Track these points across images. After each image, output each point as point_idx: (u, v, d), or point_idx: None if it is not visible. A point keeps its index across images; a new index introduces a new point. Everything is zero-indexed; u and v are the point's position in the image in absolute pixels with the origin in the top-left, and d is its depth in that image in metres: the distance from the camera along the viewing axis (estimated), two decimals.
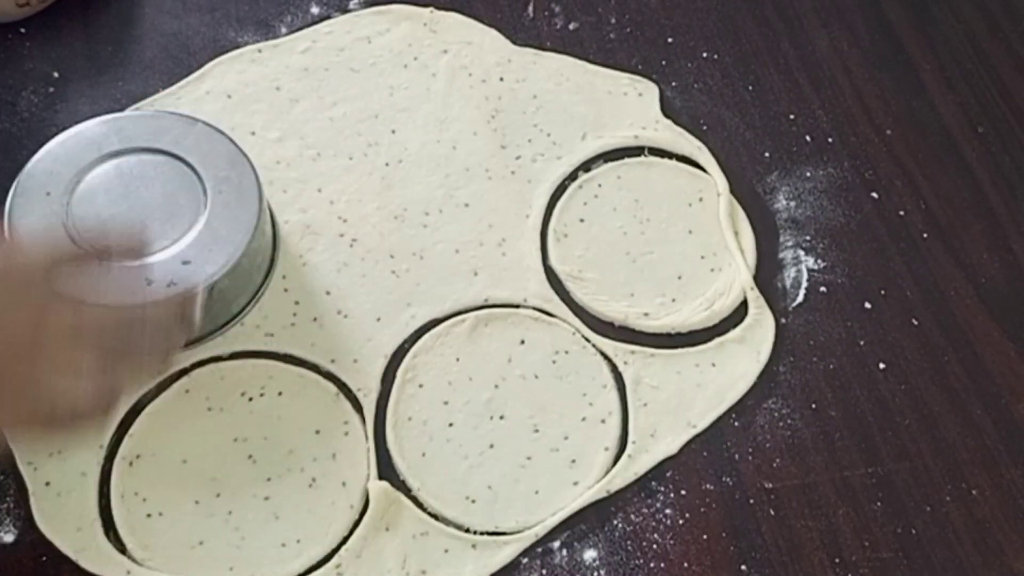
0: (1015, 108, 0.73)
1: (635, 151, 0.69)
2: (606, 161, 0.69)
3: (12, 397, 0.47)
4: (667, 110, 0.71)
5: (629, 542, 0.57)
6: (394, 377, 0.60)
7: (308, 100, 0.70)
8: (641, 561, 0.56)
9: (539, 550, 0.56)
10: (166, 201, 0.57)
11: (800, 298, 0.65)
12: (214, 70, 0.70)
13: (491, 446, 0.59)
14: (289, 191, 0.66)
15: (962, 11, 0.77)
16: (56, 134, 0.59)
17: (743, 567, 0.56)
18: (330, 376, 0.60)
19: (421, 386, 0.60)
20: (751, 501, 0.58)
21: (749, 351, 0.62)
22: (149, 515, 0.56)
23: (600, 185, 0.68)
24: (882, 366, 0.63)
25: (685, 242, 0.66)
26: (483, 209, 0.66)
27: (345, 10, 0.74)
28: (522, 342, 0.62)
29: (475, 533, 0.56)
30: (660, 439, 0.59)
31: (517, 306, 0.63)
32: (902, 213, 0.68)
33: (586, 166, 0.68)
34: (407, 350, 0.61)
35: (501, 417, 0.60)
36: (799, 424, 0.60)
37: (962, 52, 0.75)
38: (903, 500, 0.58)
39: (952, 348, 0.63)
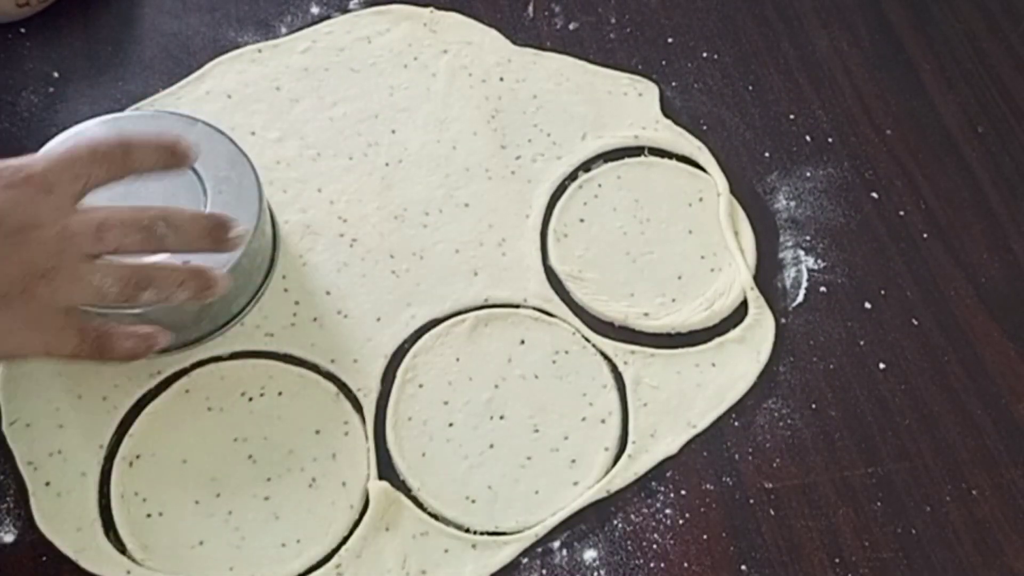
0: (1015, 108, 0.73)
1: (635, 151, 0.69)
2: (606, 161, 0.69)
3: (32, 323, 0.48)
4: (667, 110, 0.71)
5: (629, 542, 0.57)
6: (394, 377, 0.60)
7: (308, 100, 0.70)
8: (641, 561, 0.56)
9: (539, 550, 0.56)
10: (166, 201, 0.57)
11: (800, 298, 0.65)
12: (214, 70, 0.70)
13: (491, 446, 0.59)
14: (289, 191, 0.66)
15: (962, 11, 0.77)
16: (56, 134, 0.59)
17: (743, 567, 0.56)
18: (330, 376, 0.60)
19: (421, 386, 0.60)
20: (751, 501, 0.58)
21: (749, 351, 0.62)
22: (149, 515, 0.56)
23: (600, 185, 0.68)
24: (882, 366, 0.63)
25: (685, 242, 0.66)
26: (483, 209, 0.66)
27: (345, 10, 0.74)
28: (522, 342, 0.62)
29: (475, 533, 0.56)
30: (660, 439, 0.59)
31: (517, 306, 0.63)
32: (902, 213, 0.68)
33: (586, 166, 0.68)
34: (407, 350, 0.61)
35: (501, 417, 0.60)
36: (799, 424, 0.60)
37: (962, 52, 0.75)
38: (903, 500, 0.58)
39: (952, 348, 0.63)
